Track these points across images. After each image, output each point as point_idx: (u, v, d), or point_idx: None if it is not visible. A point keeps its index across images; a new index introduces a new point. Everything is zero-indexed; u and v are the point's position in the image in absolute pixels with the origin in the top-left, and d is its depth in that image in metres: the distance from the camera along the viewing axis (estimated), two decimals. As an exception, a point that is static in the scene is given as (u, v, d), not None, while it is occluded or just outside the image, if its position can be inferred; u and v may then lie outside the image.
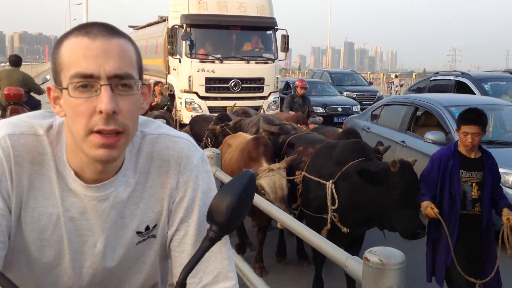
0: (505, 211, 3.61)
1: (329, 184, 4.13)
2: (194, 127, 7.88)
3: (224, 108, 11.60)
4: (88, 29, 1.14)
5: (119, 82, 1.13)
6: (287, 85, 17.67)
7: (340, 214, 4.10)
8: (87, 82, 1.11)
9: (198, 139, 6.99)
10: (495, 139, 6.57)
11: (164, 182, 1.31)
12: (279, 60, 12.81)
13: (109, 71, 1.12)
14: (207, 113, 11.00)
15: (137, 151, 1.29)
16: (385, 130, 8.05)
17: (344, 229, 4.07)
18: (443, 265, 3.73)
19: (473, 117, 3.65)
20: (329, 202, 4.11)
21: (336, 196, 4.08)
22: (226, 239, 1.33)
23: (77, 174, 1.23)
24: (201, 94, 12.06)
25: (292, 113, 8.16)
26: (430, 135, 6.58)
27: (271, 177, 4.44)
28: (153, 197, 1.31)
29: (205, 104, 12.01)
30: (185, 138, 1.36)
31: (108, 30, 1.15)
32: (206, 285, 1.30)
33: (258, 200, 3.37)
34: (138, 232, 1.31)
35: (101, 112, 1.10)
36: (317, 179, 4.31)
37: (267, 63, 12.40)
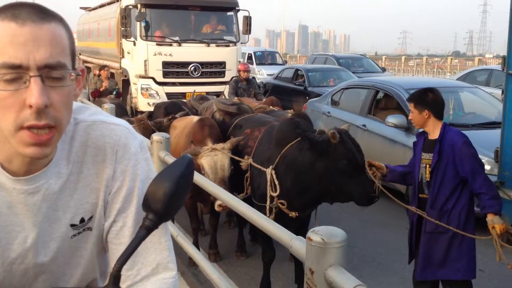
0: (489, 219, 3.31)
1: (269, 171, 4.05)
2: (158, 116, 7.19)
3: (184, 94, 10.98)
4: (15, 11, 1.07)
5: (51, 72, 1.07)
6: (297, 74, 14.36)
7: (287, 201, 4.02)
8: (15, 73, 1.04)
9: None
10: (455, 121, 6.56)
11: (100, 171, 1.26)
12: (241, 43, 12.24)
13: (39, 60, 1.06)
14: (165, 99, 10.34)
15: (70, 140, 1.23)
16: (345, 114, 8.06)
17: (293, 214, 4.02)
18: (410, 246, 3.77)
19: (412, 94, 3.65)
20: (268, 189, 4.04)
21: (277, 182, 4.00)
22: (165, 229, 1.31)
23: (3, 166, 1.17)
24: (158, 80, 11.44)
25: (251, 100, 7.66)
26: (391, 119, 6.73)
27: (213, 157, 4.34)
28: (88, 187, 1.25)
29: (162, 90, 11.39)
30: (123, 125, 1.30)
31: (39, 13, 1.08)
32: (145, 277, 1.27)
33: (200, 179, 3.28)
34: (72, 225, 1.25)
35: (31, 106, 1.04)
36: (259, 167, 4.20)
37: (228, 46, 11.81)
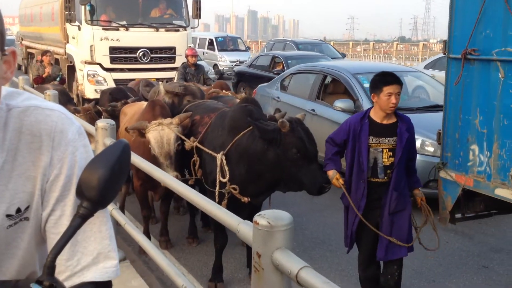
0: (418, 192, 3.73)
1: (219, 156, 4.06)
2: (103, 103, 7.00)
3: (133, 80, 10.75)
4: None
5: None
6: (274, 61, 13.99)
7: (240, 187, 4.03)
8: None
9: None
10: (400, 105, 6.69)
11: (36, 159, 1.21)
12: (191, 28, 12.03)
13: None
14: (114, 86, 10.08)
15: (3, 127, 1.18)
16: (294, 99, 8.12)
17: (245, 199, 4.03)
18: (350, 230, 3.76)
19: (393, 77, 3.58)
20: (218, 174, 4.05)
21: (226, 168, 4.02)
22: (106, 217, 1.27)
23: None
24: (105, 66, 11.12)
25: (199, 85, 7.60)
26: (339, 103, 6.84)
27: (159, 131, 4.34)
28: (23, 176, 1.20)
29: (110, 77, 11.08)
30: (58, 110, 1.25)
31: None
32: (85, 267, 1.23)
33: (138, 161, 3.23)
34: (8, 215, 1.20)
35: None
36: (210, 152, 4.20)
37: (178, 30, 11.61)
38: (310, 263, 4.67)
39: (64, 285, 1.07)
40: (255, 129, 3.85)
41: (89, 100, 9.66)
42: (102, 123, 3.83)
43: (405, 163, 3.61)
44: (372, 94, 3.59)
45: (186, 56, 9.44)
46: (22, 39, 19.33)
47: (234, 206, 3.98)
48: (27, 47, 17.71)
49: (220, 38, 22.53)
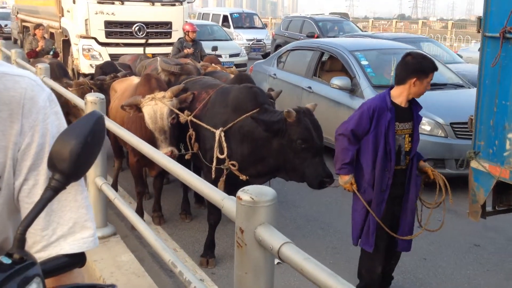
0: (422, 163, 3.55)
1: (218, 132, 4.02)
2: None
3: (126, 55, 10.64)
4: None
5: None
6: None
7: (240, 165, 4.01)
8: None
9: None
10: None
11: (6, 128, 1.16)
12: (188, 2, 11.86)
13: None
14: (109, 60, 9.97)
15: None
16: (291, 76, 8.04)
17: (243, 177, 3.99)
18: (372, 228, 3.47)
19: (432, 63, 3.36)
20: (216, 150, 4.03)
21: (225, 145, 3.99)
22: (81, 186, 1.23)
23: None
24: (100, 40, 10.97)
25: (188, 60, 7.52)
26: (336, 81, 6.76)
27: (153, 106, 4.29)
28: None
29: (105, 51, 10.95)
30: (28, 76, 1.20)
31: None
32: (61, 237, 1.20)
33: (136, 142, 3.20)
34: None
35: None
36: (207, 127, 4.15)
37: (174, 5, 11.44)
38: (302, 240, 4.70)
39: (35, 258, 1.05)
40: (259, 124, 3.78)
41: (84, 75, 9.57)
42: (91, 97, 3.79)
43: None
44: (414, 78, 3.27)
45: (186, 31, 9.26)
46: (17, 13, 19.08)
47: (233, 183, 3.98)
48: (22, 20, 17.47)
49: (235, 14, 20.74)
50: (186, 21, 10.85)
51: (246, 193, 1.65)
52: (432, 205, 3.51)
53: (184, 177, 2.30)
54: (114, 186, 5.63)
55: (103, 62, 6.96)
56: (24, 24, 17.25)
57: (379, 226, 3.43)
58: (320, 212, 5.42)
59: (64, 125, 1.25)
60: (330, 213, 5.36)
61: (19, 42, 19.02)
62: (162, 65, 5.32)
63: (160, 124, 4.29)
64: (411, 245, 3.66)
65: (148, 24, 11.14)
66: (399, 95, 3.36)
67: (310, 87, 7.40)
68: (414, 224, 3.63)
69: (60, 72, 6.74)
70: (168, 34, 11.39)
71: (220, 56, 13.61)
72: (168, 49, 10.93)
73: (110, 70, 6.09)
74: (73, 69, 11.46)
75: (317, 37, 13.64)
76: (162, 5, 11.31)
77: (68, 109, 5.72)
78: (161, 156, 2.66)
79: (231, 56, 14.34)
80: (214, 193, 2.00)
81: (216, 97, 4.38)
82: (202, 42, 12.00)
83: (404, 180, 3.46)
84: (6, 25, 20.70)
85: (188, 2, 11.91)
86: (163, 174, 5.00)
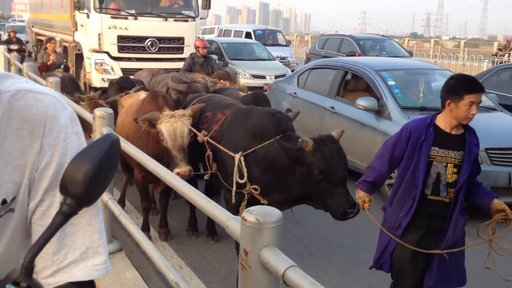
0: (496, 202, 3.11)
1: (238, 157, 3.94)
2: (112, 93, 6.96)
3: (140, 70, 10.72)
4: None
5: None
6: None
7: (263, 191, 3.93)
8: None
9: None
10: (426, 105, 6.48)
11: (25, 147, 1.13)
12: (200, 18, 11.95)
13: None
14: (121, 75, 10.04)
15: None
16: (312, 95, 7.76)
17: (264, 201, 3.92)
18: (386, 251, 3.29)
19: (476, 83, 3.08)
20: (235, 174, 3.96)
21: (245, 170, 3.91)
22: (97, 209, 1.20)
23: None
24: (113, 54, 11.08)
25: (200, 74, 7.52)
26: (362, 101, 6.48)
27: (172, 123, 4.23)
28: (11, 165, 1.13)
29: (118, 66, 11.04)
30: (51, 94, 1.18)
31: None
32: (73, 262, 1.16)
33: (133, 151, 3.19)
34: None
35: None
36: (225, 150, 4.08)
37: (187, 21, 11.52)
38: (309, 259, 4.61)
39: (42, 286, 1.01)
40: (281, 147, 3.70)
41: (95, 89, 9.63)
42: (99, 111, 3.78)
43: (467, 181, 3.16)
44: (448, 101, 3.06)
45: (197, 47, 9.36)
46: (32, 26, 19.37)
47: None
48: (37, 34, 17.73)
49: (258, 31, 20.07)
50: (198, 37, 10.92)
51: (251, 213, 1.61)
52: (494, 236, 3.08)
53: (189, 195, 2.27)
54: (122, 200, 5.61)
55: (120, 77, 6.96)
56: (38, 37, 17.50)
57: (401, 252, 3.19)
58: (328, 230, 5.35)
59: (84, 145, 1.23)
60: (339, 232, 5.28)
61: (33, 55, 19.26)
62: (170, 83, 5.33)
63: (180, 142, 4.22)
64: (444, 282, 3.20)
65: (160, 39, 11.23)
66: (443, 120, 3.15)
67: (333, 107, 7.17)
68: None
69: (72, 86, 6.79)
70: (180, 49, 11.47)
71: (264, 77, 13.23)
72: (180, 64, 11.02)
73: (127, 85, 6.10)
74: (85, 83, 11.56)
75: (359, 56, 12.95)
76: (175, 20, 11.41)
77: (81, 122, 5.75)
78: (167, 173, 2.63)
79: (276, 77, 12.50)
80: (218, 213, 1.97)
81: (233, 119, 4.30)
82: (244, 62, 11.90)
83: (445, 214, 3.14)
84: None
85: (201, 18, 12.00)
86: (169, 190, 4.95)
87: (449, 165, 3.11)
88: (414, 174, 3.12)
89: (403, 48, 17.34)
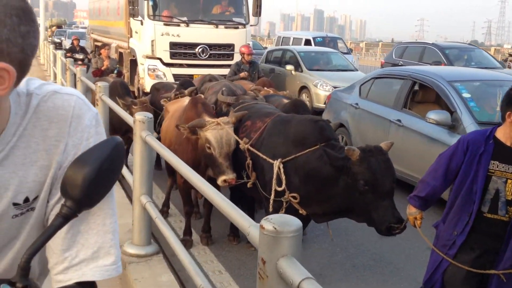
0: None
1: (276, 163, 3.89)
2: (154, 96, 7.12)
3: (191, 76, 10.88)
4: None
5: None
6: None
7: (302, 201, 3.86)
8: None
9: (157, 108, 6.38)
10: (494, 120, 5.92)
11: (50, 147, 1.16)
12: (251, 25, 12.04)
13: None
14: (172, 81, 10.23)
15: (22, 113, 1.13)
16: (376, 107, 7.19)
17: (303, 211, 3.87)
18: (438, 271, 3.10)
19: None
20: (274, 183, 3.90)
21: (283, 177, 3.85)
22: (112, 209, 1.20)
23: None
24: (165, 61, 11.33)
25: (245, 82, 7.52)
26: (433, 115, 5.88)
27: (218, 130, 4.23)
28: (35, 165, 1.15)
29: (169, 72, 11.28)
30: (77, 95, 1.21)
31: None
32: (84, 261, 1.16)
33: (168, 156, 3.18)
34: (15, 204, 1.15)
35: None
36: (264, 157, 4.03)
37: (237, 28, 11.63)
38: (351, 271, 4.50)
39: (39, 287, 1.02)
40: (324, 155, 3.60)
41: (147, 94, 9.85)
42: (139, 116, 3.84)
43: None
44: (508, 112, 2.87)
45: (242, 53, 9.44)
46: (91, 32, 20.08)
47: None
48: (95, 40, 18.36)
49: (318, 38, 19.11)
50: (247, 44, 10.99)
51: (269, 222, 1.57)
52: None
53: (214, 199, 2.27)
54: (166, 204, 5.67)
55: (183, 79, 7.11)
56: (96, 43, 18.12)
57: (455, 272, 3.00)
58: (372, 242, 5.20)
59: None
60: (382, 244, 5.13)
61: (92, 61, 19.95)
62: (220, 96, 5.34)
63: (226, 149, 4.23)
64: None
65: (211, 46, 11.38)
66: (503, 133, 2.96)
67: (399, 120, 6.58)
68: None
69: (123, 90, 6.95)
70: (230, 56, 11.58)
71: None
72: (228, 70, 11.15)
73: (188, 87, 6.24)
74: (138, 88, 11.85)
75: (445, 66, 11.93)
76: (226, 27, 11.53)
77: (128, 126, 5.88)
78: (195, 177, 2.63)
79: None
80: (241, 219, 1.95)
81: (273, 127, 4.25)
82: (324, 72, 11.56)
83: (503, 234, 2.92)
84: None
85: (251, 25, 12.07)
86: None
87: (509, 181, 2.90)
88: (471, 188, 2.94)
89: (494, 58, 15.63)
